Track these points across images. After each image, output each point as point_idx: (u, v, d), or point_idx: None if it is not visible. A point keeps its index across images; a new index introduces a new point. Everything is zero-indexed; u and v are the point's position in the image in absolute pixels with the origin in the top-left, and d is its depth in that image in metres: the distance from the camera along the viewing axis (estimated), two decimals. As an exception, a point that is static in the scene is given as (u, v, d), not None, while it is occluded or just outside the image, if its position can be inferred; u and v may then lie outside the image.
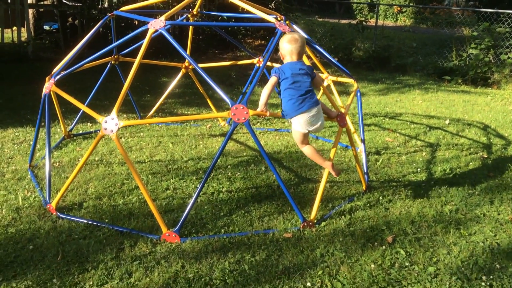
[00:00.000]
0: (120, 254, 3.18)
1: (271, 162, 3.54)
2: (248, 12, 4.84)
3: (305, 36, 4.38)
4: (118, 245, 3.29)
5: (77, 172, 3.63)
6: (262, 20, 4.34)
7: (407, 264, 3.21)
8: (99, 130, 5.66)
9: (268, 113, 3.51)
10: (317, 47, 4.36)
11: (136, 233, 3.42)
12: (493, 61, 10.32)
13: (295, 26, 4.60)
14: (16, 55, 10.33)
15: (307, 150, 3.76)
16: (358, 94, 4.55)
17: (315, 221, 3.67)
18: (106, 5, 11.60)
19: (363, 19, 13.38)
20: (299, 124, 3.57)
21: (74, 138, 5.48)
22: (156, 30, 3.66)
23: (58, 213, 3.64)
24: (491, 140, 6.10)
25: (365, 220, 3.78)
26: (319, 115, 3.59)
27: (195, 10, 5.45)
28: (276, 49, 3.94)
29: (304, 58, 3.79)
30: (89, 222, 3.55)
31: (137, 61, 3.60)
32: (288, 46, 3.60)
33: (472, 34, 10.89)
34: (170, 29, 8.52)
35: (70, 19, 12.13)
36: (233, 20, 11.76)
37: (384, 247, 3.39)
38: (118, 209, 3.81)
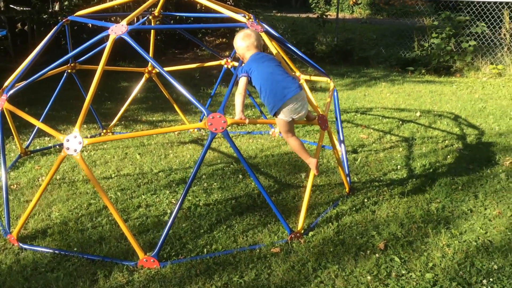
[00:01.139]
0: (94, 287, 2.86)
1: (252, 171, 3.30)
2: (213, 11, 4.57)
3: (276, 34, 4.15)
4: (91, 276, 2.96)
5: (38, 197, 3.27)
6: (229, 19, 4.09)
7: (403, 272, 3.04)
8: (58, 145, 5.30)
9: (247, 121, 3.27)
10: (289, 45, 4.13)
11: (109, 260, 3.11)
12: (454, 50, 10.40)
13: (265, 25, 4.36)
14: (-39, 66, 9.65)
15: (293, 142, 3.52)
16: (335, 93, 4.36)
17: (302, 231, 3.46)
18: (57, 8, 11.02)
19: (323, 12, 13.27)
20: (283, 114, 3.34)
21: (31, 155, 5.06)
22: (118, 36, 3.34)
23: (20, 244, 3.28)
24: (464, 131, 6.06)
25: (353, 226, 3.59)
26: (304, 102, 3.37)
27: (156, 11, 5.11)
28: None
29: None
30: (56, 251, 3.20)
31: (99, 69, 3.28)
32: (243, 43, 3.47)
33: (433, 24, 10.95)
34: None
35: (19, 24, 11.45)
36: (191, 20, 11.47)
37: (377, 255, 3.21)
38: (87, 234, 3.48)
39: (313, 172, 3.58)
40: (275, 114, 3.38)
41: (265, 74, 3.31)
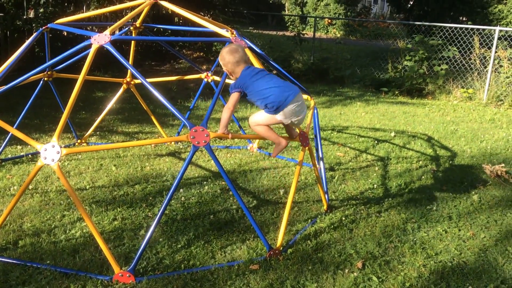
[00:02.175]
0: (67, 302, 2.77)
1: (234, 187, 3.27)
2: (195, 25, 4.57)
3: (259, 51, 4.17)
4: (64, 290, 2.87)
5: (11, 208, 3.16)
6: (210, 33, 4.11)
7: (381, 291, 3.05)
8: (30, 154, 5.16)
9: (230, 136, 3.25)
10: (272, 62, 4.16)
11: (83, 274, 3.02)
12: (427, 73, 10.67)
13: (247, 41, 4.38)
14: None
15: (259, 129, 3.42)
16: (315, 111, 4.40)
17: (281, 248, 3.44)
18: (31, 15, 10.82)
19: (300, 31, 13.46)
20: (284, 114, 3.29)
21: (3, 163, 4.90)
22: (100, 46, 3.30)
23: (-11, 256, 3.15)
24: (437, 152, 6.19)
25: (332, 244, 3.60)
26: (303, 105, 3.35)
27: (138, 22, 5.07)
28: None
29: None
30: (28, 264, 3.09)
31: (80, 78, 3.23)
32: (232, 58, 3.38)
33: (407, 47, 11.23)
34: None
35: (-9, 30, 11.17)
36: (169, 33, 11.43)
37: (355, 273, 3.22)
38: (60, 246, 3.37)
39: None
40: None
41: (262, 87, 3.27)
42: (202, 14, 12.36)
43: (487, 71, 10.27)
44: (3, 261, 3.12)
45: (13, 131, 3.35)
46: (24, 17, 10.60)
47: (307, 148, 3.69)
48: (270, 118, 3.36)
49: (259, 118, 3.41)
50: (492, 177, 5.23)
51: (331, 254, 3.46)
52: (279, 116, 3.32)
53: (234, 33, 4.27)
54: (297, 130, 3.71)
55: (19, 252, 3.27)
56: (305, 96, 4.52)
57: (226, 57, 3.39)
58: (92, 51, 3.30)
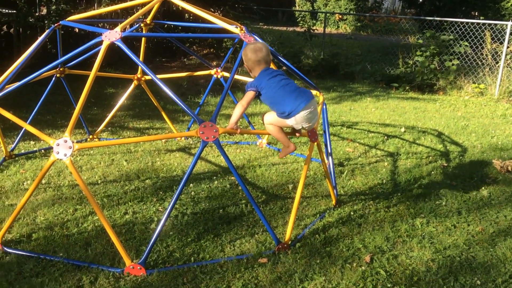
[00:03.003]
0: (80, 294, 2.83)
1: (242, 181, 3.31)
2: (204, 21, 4.60)
3: (269, 48, 4.19)
4: (76, 282, 2.93)
5: (25, 201, 3.23)
6: (219, 29, 4.14)
7: (389, 285, 3.07)
8: (43, 149, 5.24)
9: (239, 131, 3.29)
10: (281, 58, 4.19)
11: (95, 267, 3.08)
12: (438, 68, 10.61)
13: (256, 37, 4.41)
14: None
15: (272, 128, 3.49)
16: (324, 107, 4.41)
17: (290, 242, 3.47)
18: (44, 12, 10.93)
19: (310, 26, 13.44)
20: (295, 120, 3.33)
21: (16, 158, 4.99)
22: (111, 42, 3.35)
23: (4, 248, 3.23)
24: (448, 148, 6.17)
25: (340, 239, 3.62)
26: (315, 111, 3.40)
27: (148, 19, 5.12)
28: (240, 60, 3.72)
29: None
30: (41, 256, 3.16)
31: (92, 75, 3.28)
32: (254, 56, 3.40)
33: (418, 42, 11.16)
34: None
35: (4, 27, 11.32)
36: (179, 29, 11.49)
37: (363, 267, 3.24)
38: (73, 239, 3.44)
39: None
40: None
41: (276, 92, 3.30)
42: (213, 10, 12.41)
43: (499, 66, 10.18)
44: (17, 253, 3.19)
45: (26, 126, 3.42)
46: (37, 14, 10.72)
47: (315, 143, 3.72)
48: (281, 121, 3.41)
49: (271, 118, 3.46)
50: (502, 172, 5.21)
51: (339, 248, 3.48)
52: (290, 121, 3.37)
53: (243, 29, 4.29)
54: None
55: (32, 245, 3.34)
56: (314, 92, 4.55)
57: (248, 54, 3.42)
58: (103, 48, 3.35)
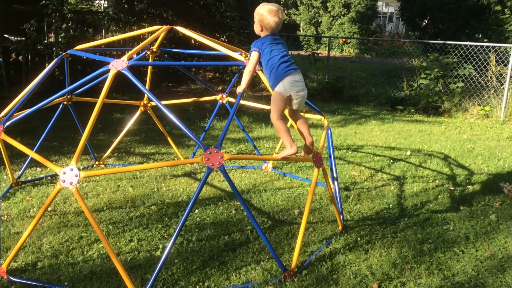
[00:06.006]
0: (84, 324, 2.81)
1: (248, 207, 3.30)
2: (209, 48, 4.66)
3: None
4: (81, 312, 2.91)
5: (31, 230, 3.23)
6: (225, 56, 4.20)
7: (397, 313, 3.03)
8: (50, 176, 5.27)
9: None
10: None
11: (100, 296, 3.06)
12: (443, 91, 10.64)
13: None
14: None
15: (280, 125, 3.57)
16: (329, 131, 4.43)
17: (296, 270, 3.44)
18: (52, 40, 11.12)
19: (314, 50, 13.56)
20: (283, 85, 3.47)
21: (23, 185, 5.01)
22: (118, 71, 3.40)
23: (10, 277, 3.21)
24: (454, 171, 6.14)
25: (347, 265, 3.59)
26: (303, 84, 3.55)
27: (155, 47, 5.20)
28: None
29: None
30: (46, 285, 3.15)
31: (99, 102, 3.33)
32: (269, 17, 3.51)
33: (422, 65, 11.22)
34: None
35: (13, 54, 11.51)
36: (185, 55, 11.62)
37: (371, 295, 3.20)
38: (78, 267, 3.42)
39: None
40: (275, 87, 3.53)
41: (272, 53, 3.49)
42: (218, 35, 12.58)
43: (503, 88, 10.19)
44: (22, 282, 3.18)
45: (32, 154, 3.45)
46: (45, 41, 10.91)
47: (320, 168, 3.71)
48: (276, 99, 3.51)
49: (272, 107, 3.57)
50: (510, 196, 5.17)
51: (346, 275, 3.45)
52: (279, 88, 3.48)
53: (248, 56, 4.34)
54: (308, 137, 3.72)
55: (37, 273, 3.33)
56: (318, 117, 4.58)
57: (264, 12, 3.52)
58: (110, 77, 3.40)
